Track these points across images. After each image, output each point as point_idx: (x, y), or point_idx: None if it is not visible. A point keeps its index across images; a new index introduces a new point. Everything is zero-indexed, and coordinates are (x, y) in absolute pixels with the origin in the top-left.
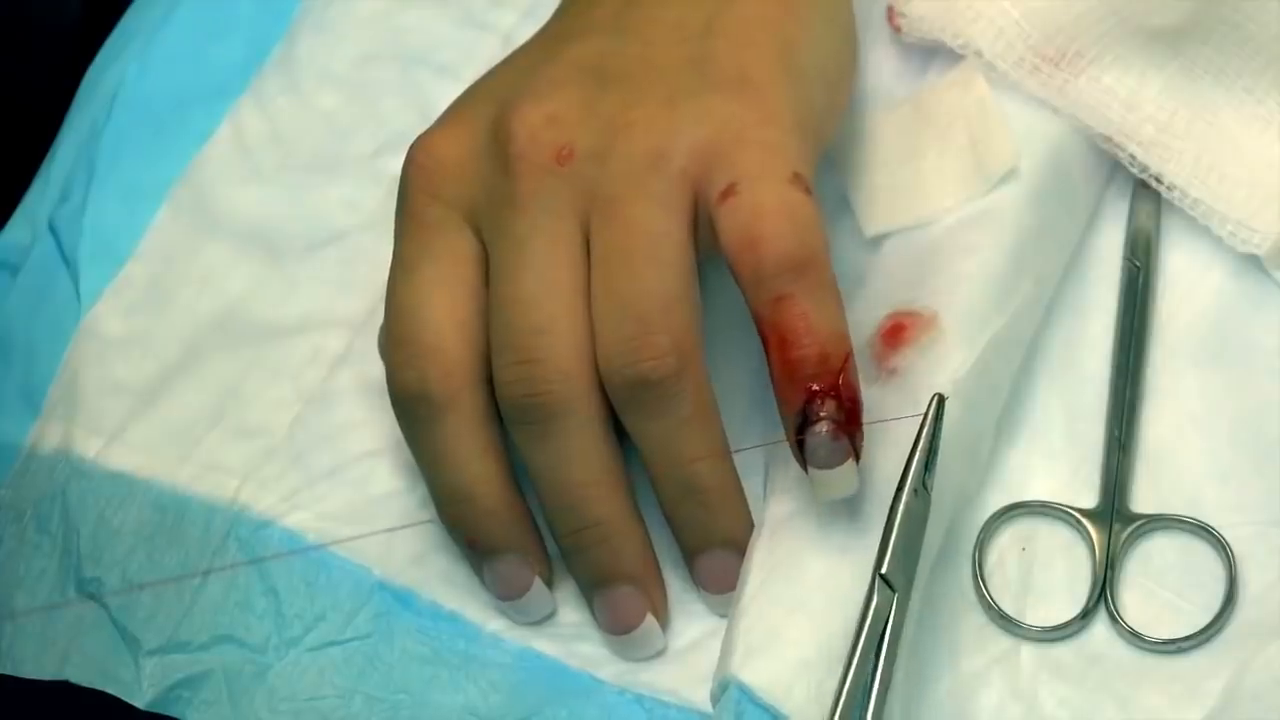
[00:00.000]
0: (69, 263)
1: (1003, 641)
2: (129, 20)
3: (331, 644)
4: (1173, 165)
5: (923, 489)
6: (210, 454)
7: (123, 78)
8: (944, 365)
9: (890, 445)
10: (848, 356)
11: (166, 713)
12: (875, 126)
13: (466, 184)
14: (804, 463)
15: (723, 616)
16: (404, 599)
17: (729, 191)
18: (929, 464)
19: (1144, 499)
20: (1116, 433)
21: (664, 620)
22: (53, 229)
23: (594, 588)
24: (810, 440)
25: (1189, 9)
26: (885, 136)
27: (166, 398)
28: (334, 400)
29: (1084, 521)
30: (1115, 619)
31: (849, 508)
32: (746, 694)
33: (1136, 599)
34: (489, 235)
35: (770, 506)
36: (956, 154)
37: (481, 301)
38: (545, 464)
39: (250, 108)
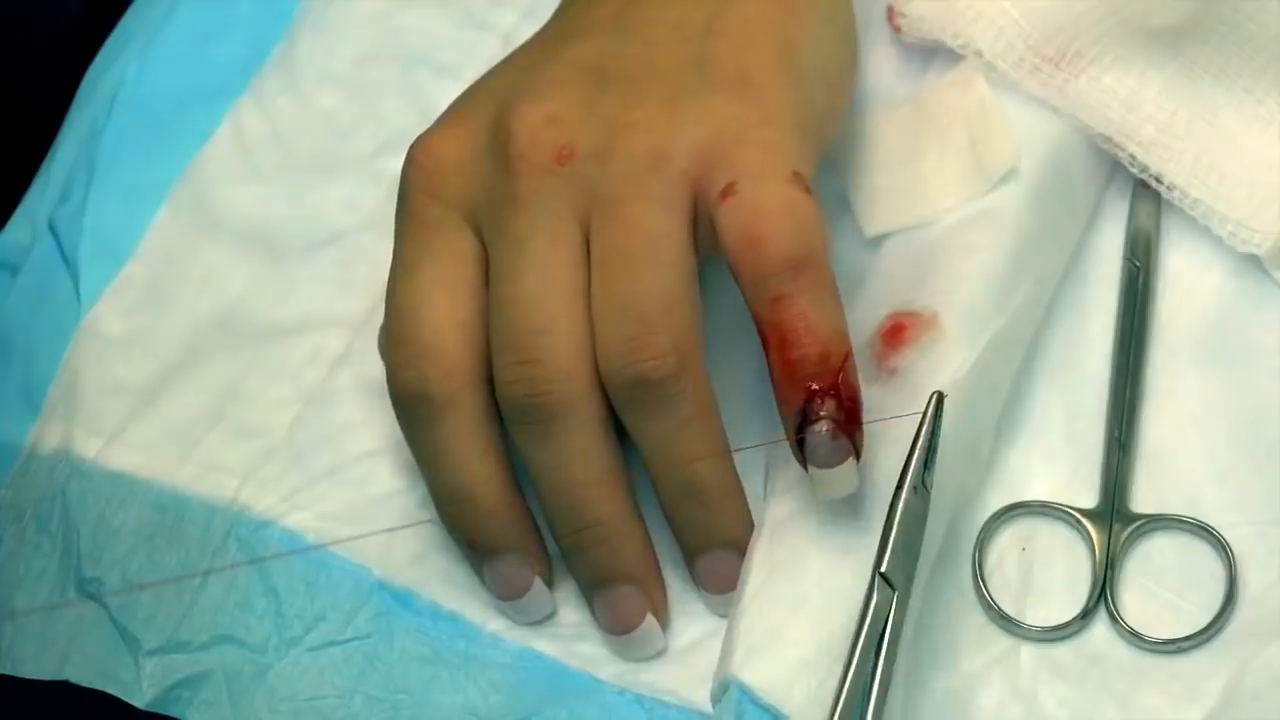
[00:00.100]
0: (69, 263)
1: (1003, 641)
2: (129, 20)
3: (331, 644)
4: (1173, 165)
5: (922, 487)
6: (210, 454)
7: (123, 78)
8: (944, 365)
9: (890, 444)
10: (847, 356)
11: (166, 713)
12: (875, 126)
13: (467, 184)
14: (804, 462)
15: (723, 616)
16: (404, 599)
17: (729, 191)
18: (928, 462)
19: (1144, 499)
20: (1116, 433)
21: (664, 620)
22: (53, 229)
23: (594, 588)
24: (810, 439)
25: (1189, 9)
26: (885, 136)
27: (166, 398)
28: (334, 400)
29: (1084, 521)
30: (1115, 619)
31: (849, 507)
32: (747, 694)
33: (1136, 599)
34: (489, 235)
35: (770, 506)
36: (956, 154)
37: (482, 301)
38: (545, 464)
39: (250, 108)
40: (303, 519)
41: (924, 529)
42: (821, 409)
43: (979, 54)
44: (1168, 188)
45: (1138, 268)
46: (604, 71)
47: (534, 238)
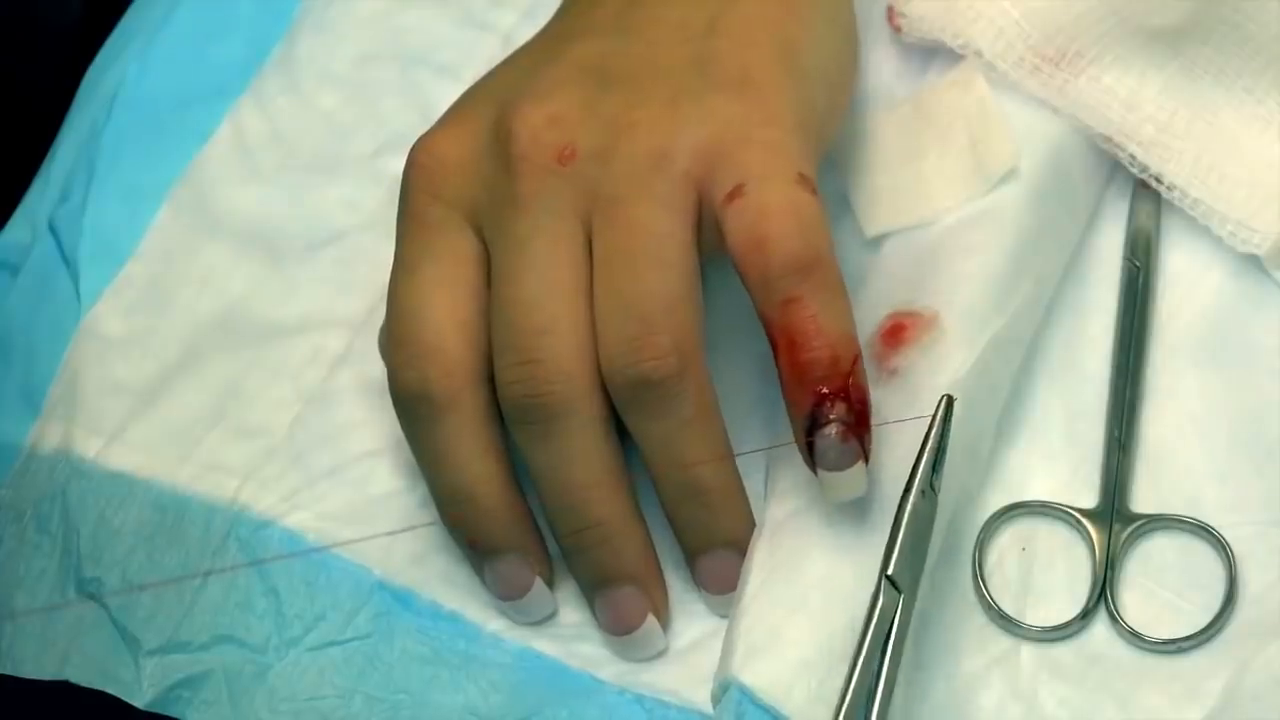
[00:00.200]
0: (69, 263)
1: (1003, 641)
2: (129, 20)
3: (331, 644)
4: (1173, 165)
5: (930, 490)
6: (210, 454)
7: (123, 78)
8: (944, 365)
9: (894, 446)
10: (856, 358)
11: (166, 713)
12: (876, 126)
13: (468, 184)
14: (813, 465)
15: (724, 617)
16: (404, 599)
17: (735, 193)
18: (937, 465)
19: (1144, 499)
20: (1116, 433)
21: (665, 621)
22: (53, 229)
23: (595, 588)
24: (820, 442)
25: (1189, 9)
26: (885, 136)
27: (166, 398)
28: (334, 400)
29: (1084, 521)
30: (1115, 619)
31: (851, 508)
32: (747, 695)
33: (1136, 599)
34: (490, 235)
35: (771, 506)
36: (957, 154)
37: (483, 302)
38: (546, 464)
39: (250, 108)
40: (303, 519)
41: (931, 531)
42: (831, 412)
43: (979, 54)
44: (1168, 188)
45: (1138, 268)
46: (606, 71)
47: (535, 238)
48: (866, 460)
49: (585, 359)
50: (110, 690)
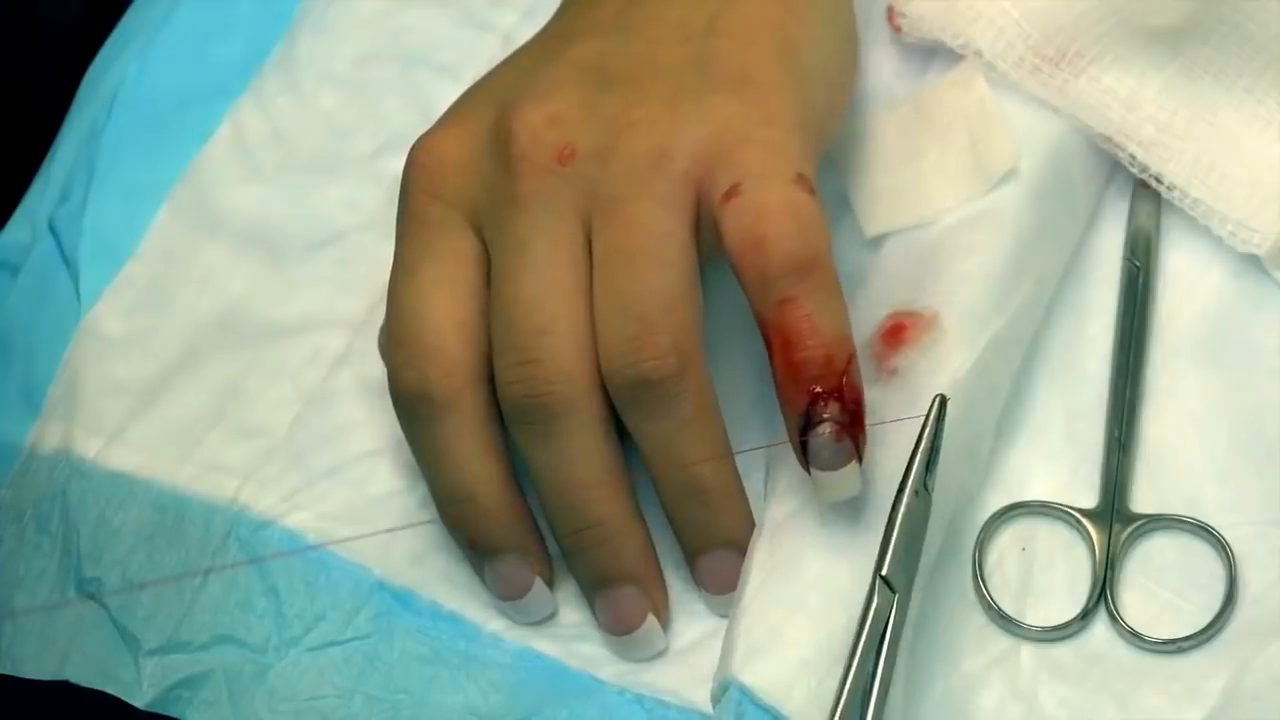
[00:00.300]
0: (69, 263)
1: (1003, 641)
2: (129, 20)
3: (331, 644)
4: (1173, 165)
5: (924, 490)
6: (210, 454)
7: (123, 78)
8: (944, 365)
9: (891, 446)
10: (851, 358)
11: (166, 713)
12: (875, 126)
13: (468, 184)
14: (807, 464)
15: (724, 617)
16: (404, 599)
17: (733, 192)
18: (930, 465)
19: (1144, 499)
20: (1116, 433)
21: (665, 621)
22: (53, 229)
23: (595, 588)
24: (813, 442)
25: (1189, 9)
26: (885, 136)
27: (166, 398)
28: (334, 400)
29: (1084, 521)
30: (1115, 619)
31: (850, 508)
32: (747, 695)
33: (1136, 599)
34: (490, 235)
35: (771, 506)
36: (956, 154)
37: (483, 302)
38: (546, 464)
39: (250, 108)
40: (303, 519)
41: (925, 532)
42: (825, 411)
43: (979, 54)
44: (1168, 188)
45: (1138, 268)
46: (605, 71)
47: (535, 238)
48: (860, 460)
49: (585, 359)
50: (110, 690)
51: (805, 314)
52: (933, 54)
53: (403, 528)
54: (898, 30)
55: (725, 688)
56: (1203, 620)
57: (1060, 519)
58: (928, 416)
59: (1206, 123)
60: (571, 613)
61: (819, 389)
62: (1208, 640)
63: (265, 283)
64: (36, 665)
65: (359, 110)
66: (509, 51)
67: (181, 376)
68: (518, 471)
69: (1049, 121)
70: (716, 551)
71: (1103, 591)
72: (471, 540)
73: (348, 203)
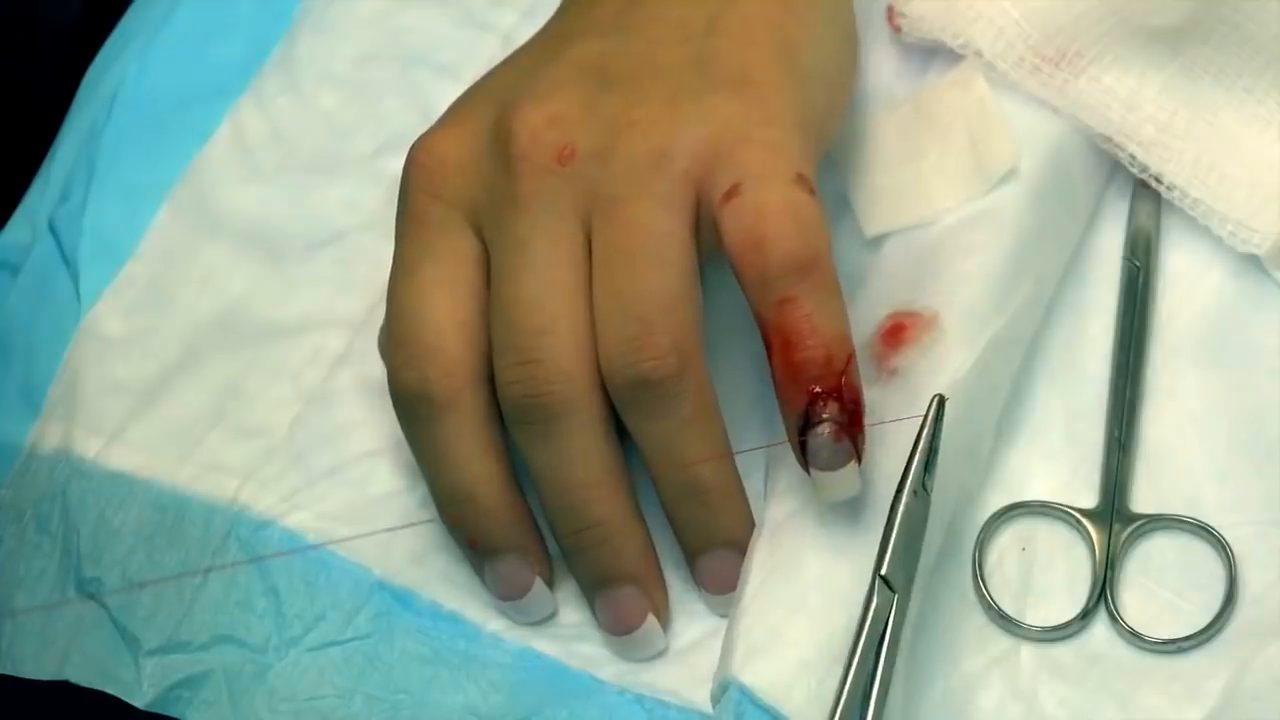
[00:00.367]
0: (69, 263)
1: (1003, 641)
2: (129, 20)
3: (331, 644)
4: (1173, 165)
5: (922, 490)
6: (210, 454)
7: (123, 78)
8: (944, 365)
9: (891, 446)
10: (850, 358)
11: (166, 713)
12: (875, 126)
13: (468, 184)
14: (806, 464)
15: (724, 617)
16: (404, 599)
17: (733, 192)
18: (929, 465)
19: (1144, 499)
20: (1116, 433)
21: (665, 621)
22: (53, 229)
23: (595, 588)
24: (812, 442)
25: (1189, 9)
26: (885, 136)
27: (166, 398)
28: (334, 400)
29: (1084, 521)
30: (1115, 619)
31: (849, 508)
32: (747, 695)
33: (1136, 599)
34: (490, 235)
35: (771, 506)
36: (956, 154)
37: (482, 301)
38: (547, 464)
39: (250, 108)
40: (303, 519)
41: (924, 532)
42: (824, 412)
43: (979, 54)
44: (1168, 188)
45: (1138, 268)
46: (605, 71)
47: (535, 238)
48: (859, 460)
49: (585, 359)
50: (110, 690)
51: (805, 314)
52: (933, 54)
53: (402, 527)
54: (898, 30)
55: (725, 688)
56: (1203, 620)
57: (1060, 519)
58: (926, 416)
59: (1206, 123)
60: (571, 613)
61: (818, 389)
62: (1208, 640)
63: (265, 283)
64: (36, 665)
65: (359, 110)
66: (509, 51)
67: (181, 376)
68: (518, 471)
69: (1049, 121)
70: (716, 551)
71: (1103, 591)
72: (471, 540)
73: (348, 203)
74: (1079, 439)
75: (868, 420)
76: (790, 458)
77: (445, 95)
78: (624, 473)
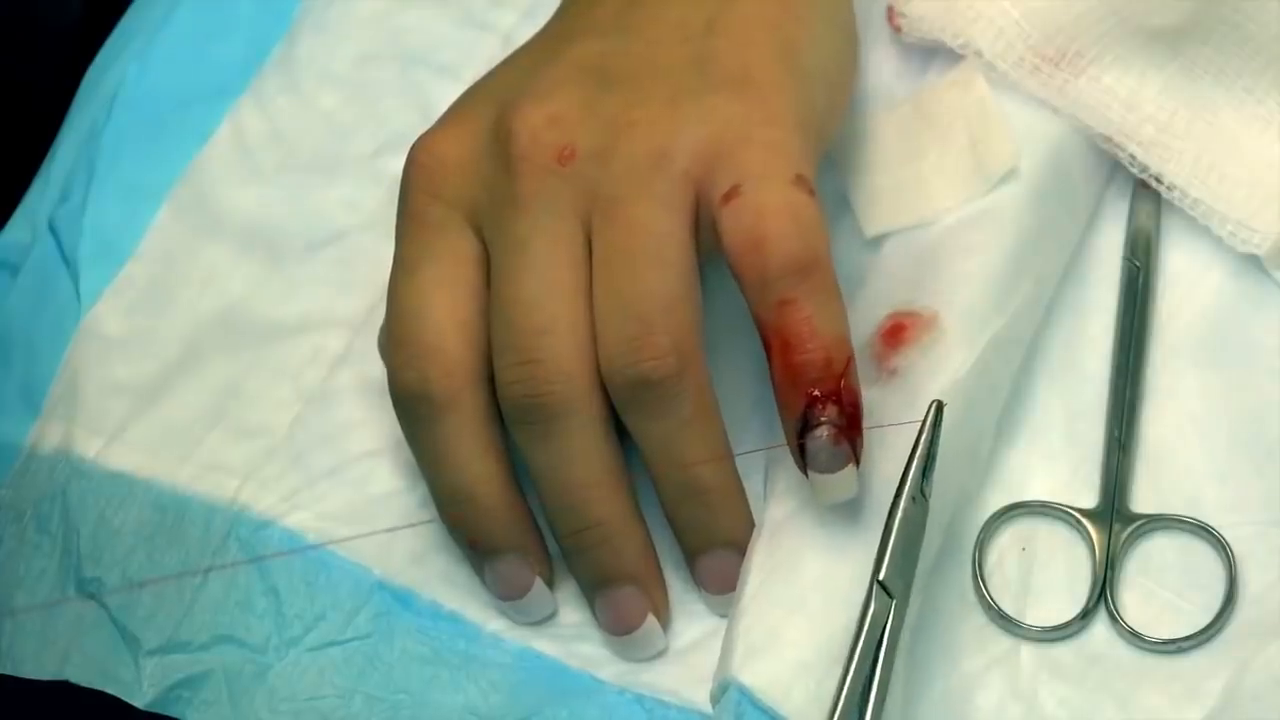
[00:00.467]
0: (69, 263)
1: (1003, 641)
2: (129, 20)
3: (331, 644)
4: (1173, 165)
5: (920, 496)
6: (210, 454)
7: (123, 78)
8: (944, 365)
9: (889, 448)
10: (849, 361)
11: (166, 713)
12: (875, 126)
13: (468, 184)
14: (804, 467)
15: (723, 617)
16: (404, 599)
17: (732, 193)
18: (927, 471)
19: (1144, 499)
20: (1116, 433)
21: (665, 621)
22: (53, 229)
23: (595, 588)
24: (811, 445)
25: (1189, 9)
26: (885, 136)
27: (167, 398)
28: (334, 400)
29: (1084, 521)
30: (1115, 619)
31: (849, 509)
32: (746, 695)
33: (1136, 599)
34: (490, 235)
35: (770, 507)
36: (956, 154)
37: (482, 302)
38: (547, 464)
39: (250, 108)
40: (303, 519)
41: (923, 537)
42: (823, 414)
43: (979, 54)
44: (1168, 188)
45: (1138, 268)
46: (605, 71)
47: (535, 238)
48: (857, 463)
49: (585, 359)
50: (110, 690)
51: (804, 316)
52: (933, 54)
53: (403, 527)
54: (898, 30)
55: (724, 688)
56: (1203, 620)
57: (1060, 519)
58: (924, 422)
59: (1206, 123)
60: (571, 613)
61: (817, 392)
62: (1208, 640)
63: (265, 283)
64: (36, 665)
65: (359, 110)
66: (509, 51)
67: (181, 376)
68: (518, 471)
69: (1049, 121)
70: (716, 551)
71: (1103, 591)
72: (471, 540)
73: (348, 203)
74: (1079, 439)
75: (866, 423)
76: (790, 458)
77: (445, 95)
78: (624, 473)
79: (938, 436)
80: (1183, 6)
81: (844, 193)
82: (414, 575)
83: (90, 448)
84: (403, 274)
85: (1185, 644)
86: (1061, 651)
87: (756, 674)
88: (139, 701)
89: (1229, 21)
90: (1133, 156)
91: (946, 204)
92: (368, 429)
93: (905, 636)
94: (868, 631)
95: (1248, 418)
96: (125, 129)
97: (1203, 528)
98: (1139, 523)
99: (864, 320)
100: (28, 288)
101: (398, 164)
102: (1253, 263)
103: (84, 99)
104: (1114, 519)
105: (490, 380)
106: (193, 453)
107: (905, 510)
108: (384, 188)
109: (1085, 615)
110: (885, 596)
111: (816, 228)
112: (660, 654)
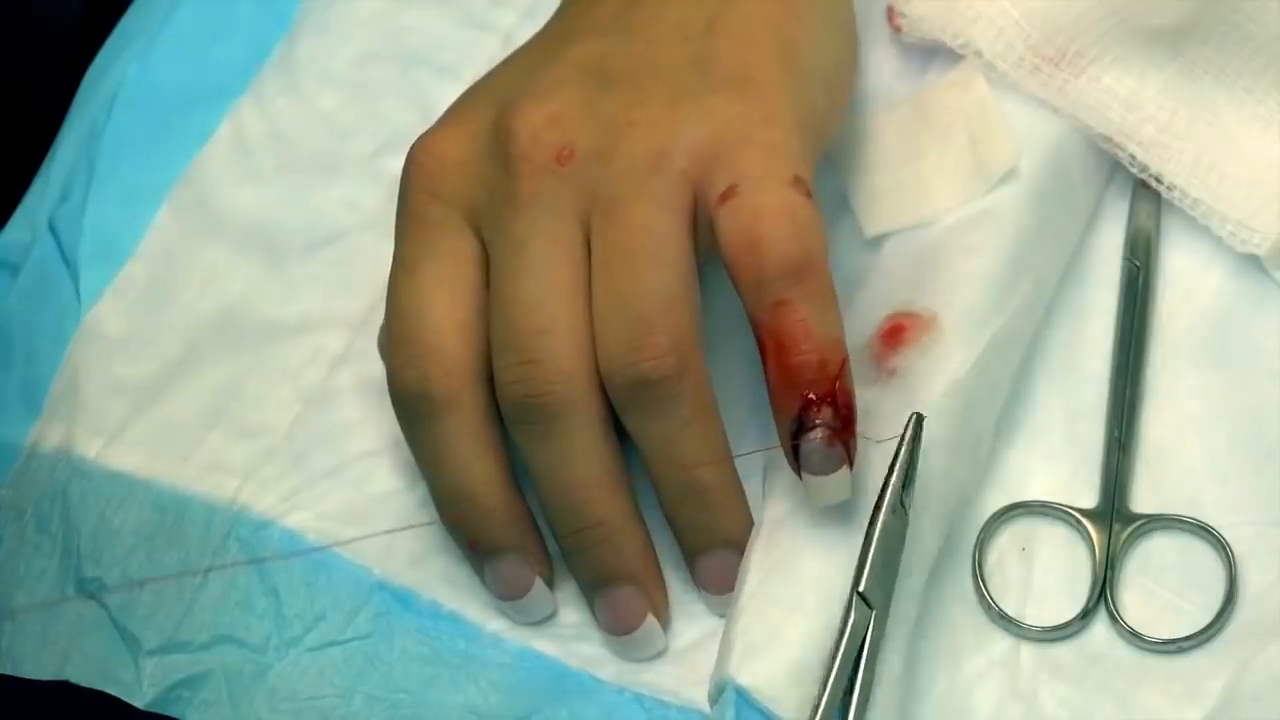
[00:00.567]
0: (69, 263)
1: (1003, 641)
2: (129, 20)
3: (331, 644)
4: (1173, 165)
5: (900, 508)
6: (210, 454)
7: (123, 78)
8: (943, 366)
9: (884, 450)
10: (844, 363)
11: (166, 713)
12: (875, 126)
13: (467, 184)
14: (798, 468)
15: (723, 617)
16: (404, 599)
17: (730, 193)
18: (908, 483)
19: (1144, 499)
20: (1116, 433)
21: (665, 620)
22: (53, 229)
23: (595, 588)
24: (805, 447)
25: (1189, 9)
26: (885, 136)
27: (167, 397)
28: (334, 400)
29: (1084, 521)
30: (1115, 619)
31: (847, 510)
32: (744, 695)
33: (1136, 599)
34: (490, 235)
35: (769, 507)
36: (956, 154)
37: (482, 301)
38: (546, 464)
39: (250, 108)
40: (303, 519)
41: (903, 548)
42: (817, 417)
43: (979, 54)
44: (1168, 188)
45: (1138, 268)
46: (605, 71)
47: (534, 238)
48: (851, 465)
49: (584, 359)
50: (110, 690)
51: (800, 318)
52: (933, 54)
53: (402, 529)
54: (898, 30)
55: (722, 688)
56: (1203, 620)
57: (1060, 519)
58: (904, 435)
59: (1206, 123)
60: (571, 613)
61: (812, 394)
62: (1208, 640)
63: (265, 283)
64: (36, 665)
65: (359, 110)
66: (509, 51)
67: (182, 376)
68: (518, 471)
69: (1049, 121)
70: (716, 551)
71: (1103, 591)
72: (471, 540)
73: (348, 203)
74: (1079, 439)
75: (862, 425)
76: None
77: (445, 95)
78: (624, 473)
79: (919, 448)
80: (1183, 6)
81: (844, 193)
82: (414, 575)
83: (90, 447)
84: (402, 274)
85: (1185, 644)
86: (1061, 651)
87: (754, 674)
88: (139, 701)
89: (1229, 21)
90: (1133, 156)
91: (946, 204)
92: (368, 429)
93: (903, 633)
94: (847, 643)
95: (1248, 418)
96: (125, 129)
97: (1203, 528)
98: (1139, 523)
99: (863, 320)
100: (28, 288)
101: (398, 164)
102: (1253, 263)
103: (84, 99)
104: (1114, 519)
105: (490, 380)
106: (193, 453)
107: (885, 522)
108: (384, 188)
109: (1085, 615)
110: (865, 608)
111: (813, 229)
112: (660, 654)
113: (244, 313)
